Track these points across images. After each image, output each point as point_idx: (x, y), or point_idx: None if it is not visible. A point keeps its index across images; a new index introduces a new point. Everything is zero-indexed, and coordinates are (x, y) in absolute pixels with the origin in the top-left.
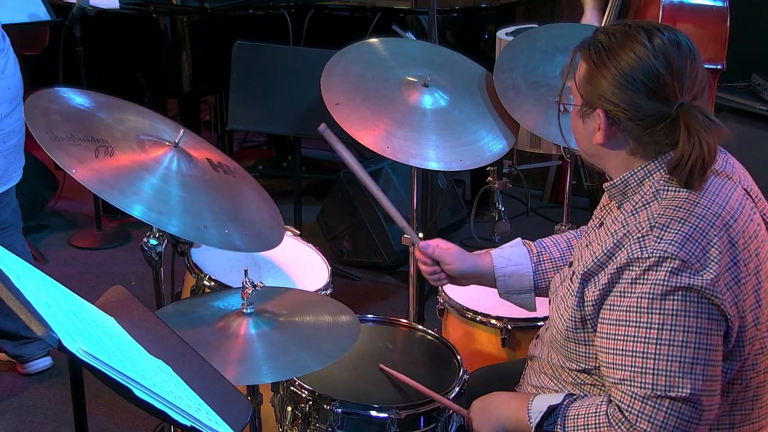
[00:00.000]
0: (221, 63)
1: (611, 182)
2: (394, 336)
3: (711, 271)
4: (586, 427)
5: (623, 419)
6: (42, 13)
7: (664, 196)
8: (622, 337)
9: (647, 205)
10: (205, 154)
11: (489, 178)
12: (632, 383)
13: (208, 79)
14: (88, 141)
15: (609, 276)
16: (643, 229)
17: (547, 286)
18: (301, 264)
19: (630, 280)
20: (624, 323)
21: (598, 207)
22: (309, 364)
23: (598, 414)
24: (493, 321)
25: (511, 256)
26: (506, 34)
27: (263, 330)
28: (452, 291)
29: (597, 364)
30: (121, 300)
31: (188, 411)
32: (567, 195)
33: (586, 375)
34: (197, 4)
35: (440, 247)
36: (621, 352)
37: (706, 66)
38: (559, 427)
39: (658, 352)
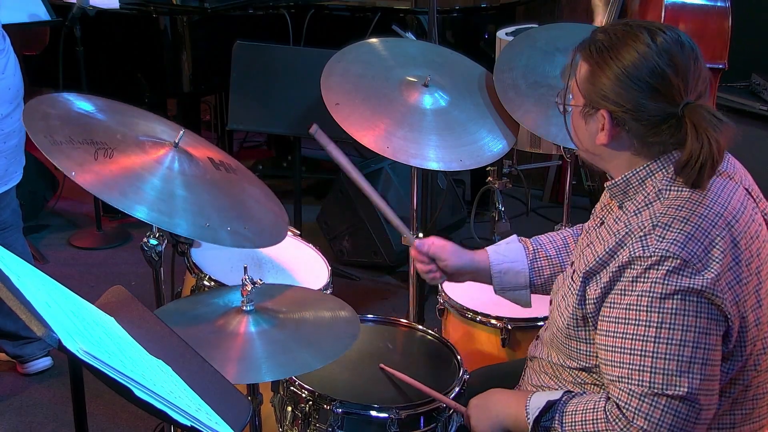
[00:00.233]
0: (221, 63)
1: (613, 181)
2: (394, 336)
3: (712, 270)
4: (583, 422)
5: (620, 416)
6: (42, 13)
7: (666, 196)
8: (621, 335)
9: (650, 205)
10: (206, 153)
11: (489, 178)
12: (630, 380)
13: (208, 79)
14: (87, 144)
15: (611, 274)
16: (645, 228)
17: (543, 283)
18: (301, 264)
19: (631, 279)
20: (623, 321)
21: (599, 206)
22: (309, 362)
23: (596, 410)
24: (493, 321)
25: (507, 252)
26: (506, 34)
27: (263, 328)
28: (452, 291)
29: (597, 363)
30: (121, 300)
31: (188, 411)
32: (567, 195)
33: (586, 374)
34: (197, 4)
35: (435, 244)
36: (620, 350)
37: (708, 65)
38: (556, 422)
39: (656, 350)
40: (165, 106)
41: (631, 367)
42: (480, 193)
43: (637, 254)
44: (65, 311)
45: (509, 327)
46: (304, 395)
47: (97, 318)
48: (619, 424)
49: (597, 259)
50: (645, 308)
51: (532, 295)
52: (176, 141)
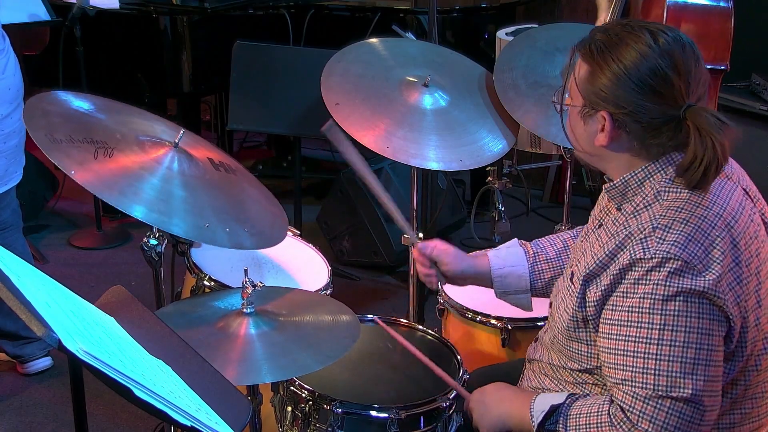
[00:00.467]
0: (221, 63)
1: (611, 184)
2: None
3: (713, 271)
4: (587, 426)
5: (625, 419)
6: (42, 13)
7: (665, 198)
8: (623, 338)
9: (649, 207)
10: (206, 153)
11: (489, 178)
12: (634, 383)
13: (208, 79)
14: (87, 143)
15: (611, 277)
16: (645, 230)
17: (543, 287)
18: (301, 264)
19: (633, 281)
20: (626, 323)
21: (597, 208)
22: (309, 364)
23: (600, 413)
24: (493, 321)
25: (508, 257)
26: (506, 34)
27: (263, 330)
28: (452, 291)
29: (598, 364)
30: (121, 300)
31: (188, 411)
32: (567, 195)
33: (587, 375)
34: (197, 4)
35: (438, 248)
36: (623, 353)
37: (710, 66)
38: (561, 426)
39: (659, 352)
40: (165, 106)
41: (634, 369)
42: (480, 193)
43: (638, 256)
44: (65, 311)
45: (509, 327)
46: (304, 395)
47: (97, 318)
48: (624, 427)
49: (597, 261)
50: (647, 310)
51: (532, 297)
52: (176, 141)
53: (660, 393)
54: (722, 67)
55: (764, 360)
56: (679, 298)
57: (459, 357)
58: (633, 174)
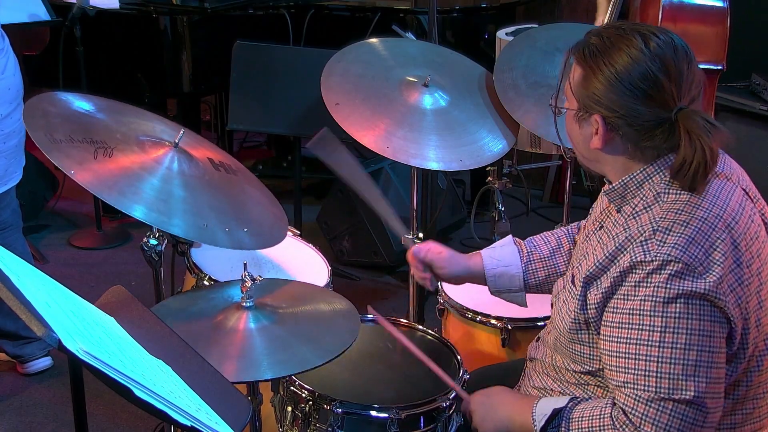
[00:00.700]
0: (221, 63)
1: (610, 186)
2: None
3: (714, 273)
4: (590, 429)
5: (627, 422)
6: (42, 13)
7: (665, 199)
8: (625, 340)
9: (648, 208)
10: (206, 153)
11: (489, 178)
12: (636, 386)
13: (208, 79)
14: (87, 143)
15: (612, 279)
16: (645, 232)
17: (538, 284)
18: (301, 264)
19: (633, 284)
20: (627, 326)
21: (597, 210)
22: (309, 359)
23: (602, 416)
24: (493, 321)
25: (501, 256)
26: (506, 34)
27: (263, 324)
28: (452, 291)
29: (601, 366)
30: (121, 300)
31: (188, 411)
32: (567, 195)
33: (590, 377)
34: (197, 4)
35: (432, 251)
36: (624, 355)
37: (706, 66)
38: (563, 429)
39: (661, 354)
40: (165, 106)
41: (636, 372)
42: (480, 193)
43: (638, 259)
44: (65, 311)
45: (509, 327)
46: (304, 395)
47: (97, 318)
48: (626, 429)
49: (597, 263)
50: (648, 313)
51: (531, 294)
52: (176, 141)
53: (662, 395)
54: (719, 67)
55: (765, 360)
56: (680, 301)
57: (459, 357)
58: (631, 176)
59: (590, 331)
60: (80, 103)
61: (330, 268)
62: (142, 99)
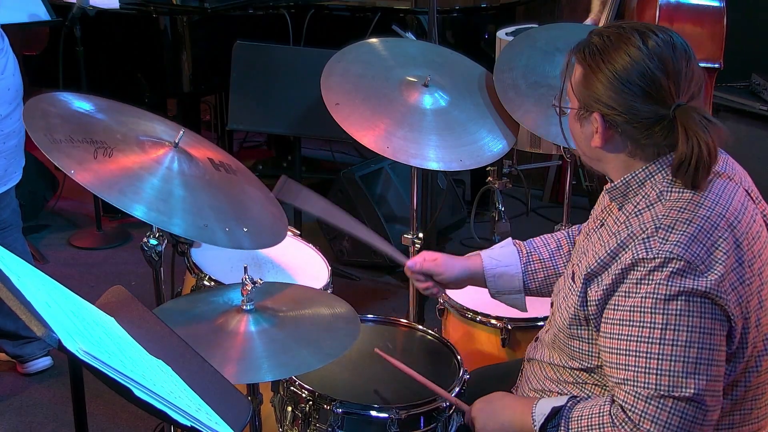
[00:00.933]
0: (221, 63)
1: (612, 184)
2: (394, 336)
3: (716, 272)
4: (589, 428)
5: (627, 419)
6: (42, 13)
7: (668, 198)
8: (625, 337)
9: (651, 206)
10: (207, 153)
11: (489, 178)
12: (636, 383)
13: (208, 79)
14: (87, 143)
15: (613, 276)
16: (647, 230)
17: (537, 287)
18: (301, 264)
19: (635, 281)
20: (628, 323)
21: (598, 208)
22: (309, 362)
23: (601, 414)
24: (493, 321)
25: (501, 257)
26: (506, 34)
27: (263, 327)
28: (452, 291)
29: (599, 363)
30: (121, 300)
31: (188, 411)
32: (567, 195)
33: (587, 374)
34: (197, 4)
35: (427, 260)
36: (624, 352)
37: (703, 65)
38: (562, 428)
39: (661, 352)
40: (165, 106)
41: (636, 369)
42: (480, 193)
43: (640, 256)
44: (65, 311)
45: (509, 327)
46: (304, 395)
47: (97, 318)
48: (626, 427)
49: (598, 260)
50: (649, 310)
51: (529, 297)
52: (176, 141)
53: (662, 392)
54: (716, 66)
55: (764, 361)
56: (681, 298)
57: (459, 357)
58: (634, 174)
59: (589, 328)
60: (80, 103)
61: (330, 268)
62: (142, 99)
